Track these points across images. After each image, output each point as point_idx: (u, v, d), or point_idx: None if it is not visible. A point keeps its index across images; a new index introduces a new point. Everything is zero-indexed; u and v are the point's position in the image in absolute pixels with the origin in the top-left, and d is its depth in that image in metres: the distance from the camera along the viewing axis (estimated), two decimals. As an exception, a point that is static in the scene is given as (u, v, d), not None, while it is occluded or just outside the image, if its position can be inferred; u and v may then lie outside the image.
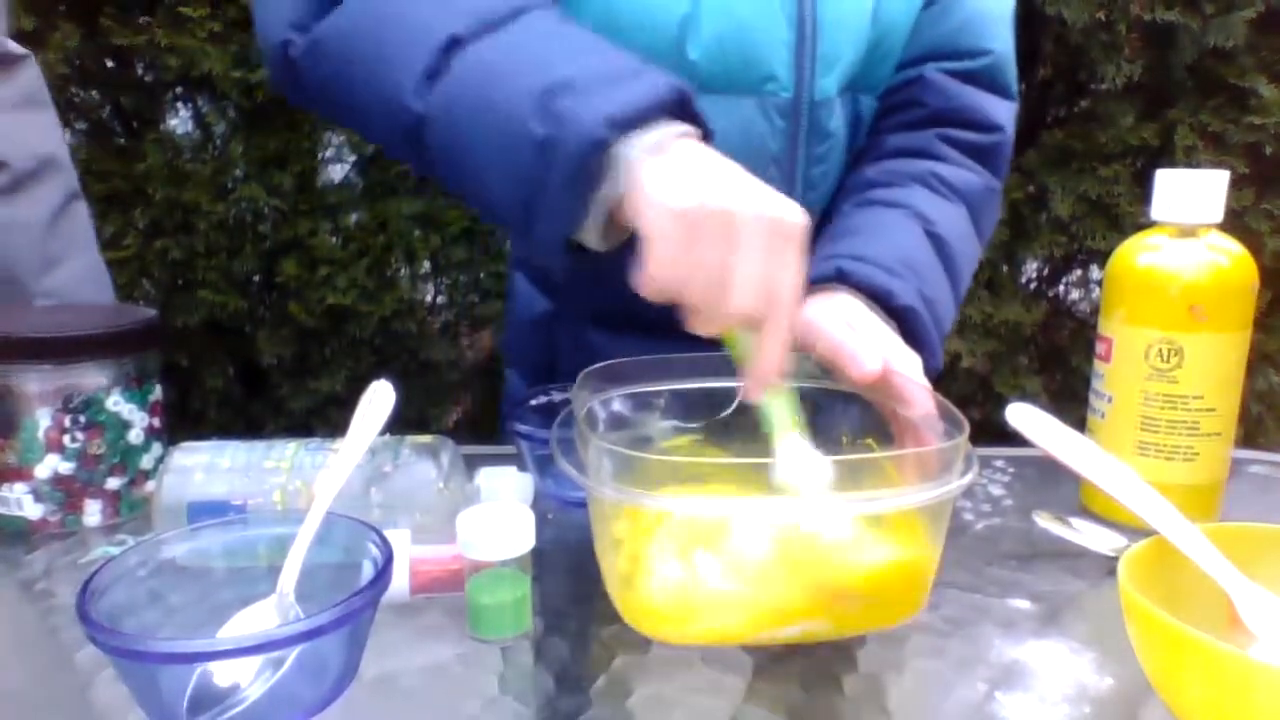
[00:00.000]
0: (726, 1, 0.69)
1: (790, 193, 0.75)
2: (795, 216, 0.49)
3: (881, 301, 0.66)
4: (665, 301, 0.49)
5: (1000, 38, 0.81)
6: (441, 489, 0.58)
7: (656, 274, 0.48)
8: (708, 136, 0.54)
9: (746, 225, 0.47)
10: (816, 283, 0.67)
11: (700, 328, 0.50)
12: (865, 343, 0.57)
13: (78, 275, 0.92)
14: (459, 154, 0.55)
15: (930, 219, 0.73)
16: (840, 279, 0.66)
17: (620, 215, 0.51)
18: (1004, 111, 0.82)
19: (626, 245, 0.52)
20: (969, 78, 0.80)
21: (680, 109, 0.52)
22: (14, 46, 0.91)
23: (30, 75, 0.91)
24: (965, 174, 0.79)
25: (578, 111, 0.49)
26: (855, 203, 0.76)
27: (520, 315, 0.93)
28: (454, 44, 0.54)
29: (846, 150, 0.79)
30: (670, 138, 0.51)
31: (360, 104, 0.59)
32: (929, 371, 0.62)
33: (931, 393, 0.55)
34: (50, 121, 0.93)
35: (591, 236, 0.53)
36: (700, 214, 0.47)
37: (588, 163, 0.50)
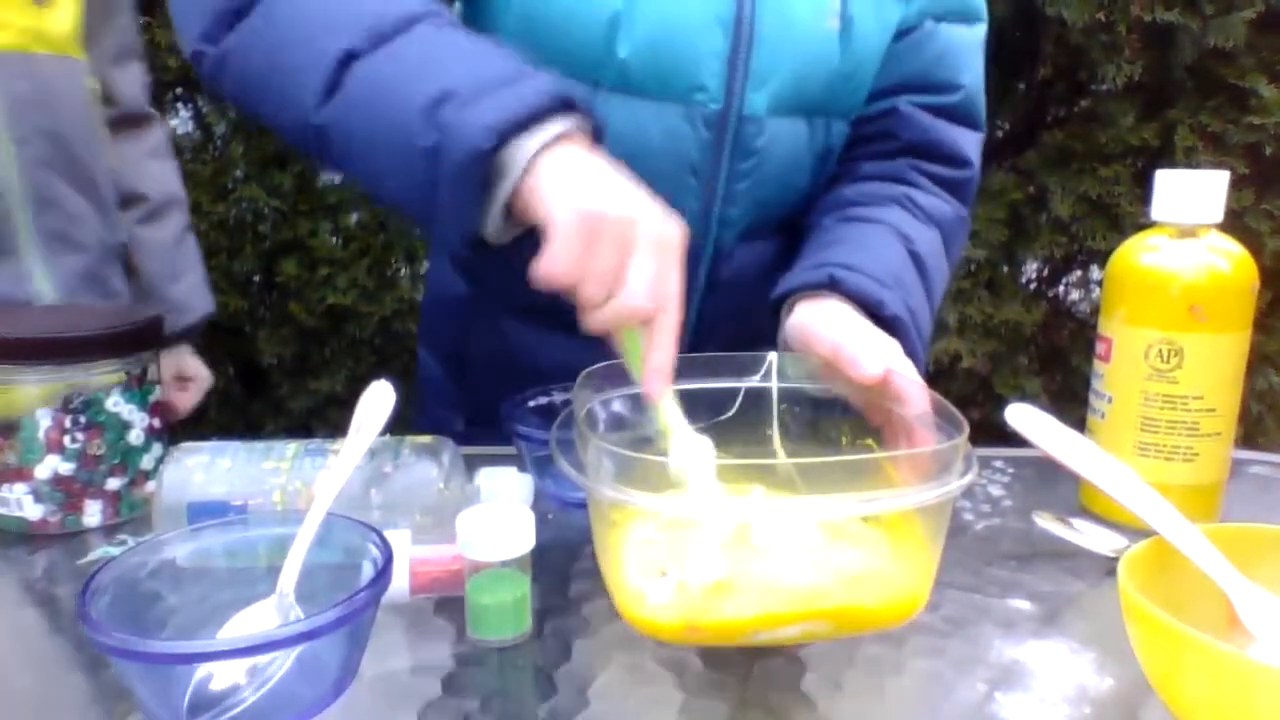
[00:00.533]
0: (661, 3, 0.69)
1: (709, 204, 0.75)
2: (676, 229, 0.53)
3: (872, 311, 0.66)
4: (558, 292, 0.53)
5: (971, 71, 0.81)
6: (441, 489, 0.58)
7: (555, 268, 0.51)
8: (600, 132, 0.57)
9: (641, 230, 0.52)
10: (807, 289, 0.67)
11: (593, 323, 0.53)
12: (865, 345, 0.58)
13: (193, 287, 1.16)
14: (360, 161, 0.59)
15: (910, 238, 0.74)
16: (832, 286, 0.66)
17: (518, 211, 0.55)
18: (973, 145, 0.82)
19: (531, 236, 0.55)
20: (942, 112, 0.80)
21: (566, 108, 0.55)
22: (146, 108, 1.13)
23: (157, 135, 1.15)
24: (938, 202, 0.80)
25: (461, 121, 0.53)
26: (836, 218, 0.77)
27: (435, 297, 0.94)
28: (348, 59, 0.56)
29: (793, 170, 0.78)
30: (558, 137, 0.54)
31: (268, 113, 0.62)
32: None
33: (928, 391, 0.55)
34: (172, 169, 1.17)
35: (490, 231, 0.57)
36: (603, 218, 0.51)
37: (474, 169, 0.53)
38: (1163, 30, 1.65)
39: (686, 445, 0.53)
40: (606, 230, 0.51)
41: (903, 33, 0.78)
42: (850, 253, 0.70)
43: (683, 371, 0.61)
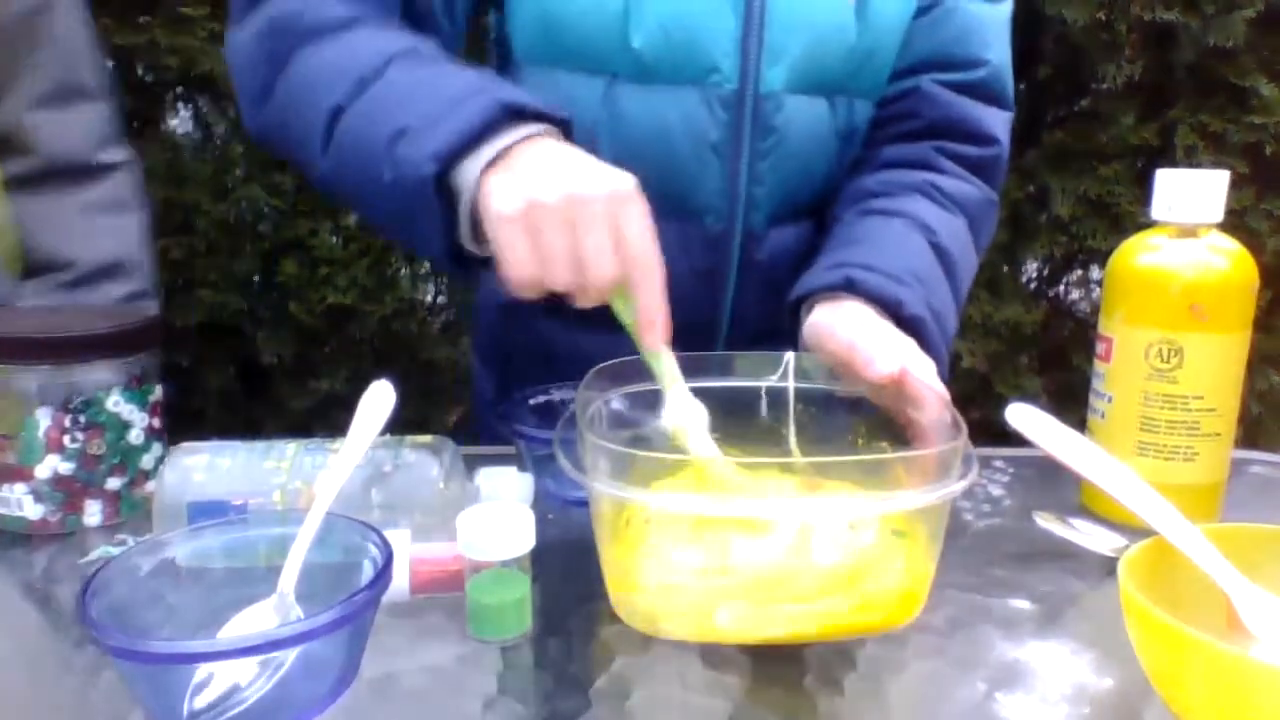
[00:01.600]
0: None
1: (734, 184, 0.75)
2: (623, 179, 0.53)
3: (891, 311, 0.66)
4: (542, 294, 0.54)
5: (996, 48, 0.80)
6: (442, 489, 0.58)
7: (513, 275, 0.53)
8: (567, 125, 0.58)
9: (581, 204, 0.52)
10: (825, 290, 0.67)
11: (583, 304, 0.54)
12: (881, 345, 0.58)
13: None
14: (356, 203, 0.72)
15: (933, 229, 0.73)
16: (849, 288, 0.66)
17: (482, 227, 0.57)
18: (1000, 123, 0.81)
19: None
20: (965, 89, 0.79)
21: (516, 116, 0.56)
22: (90, 157, 0.98)
23: (103, 188, 0.99)
24: (964, 186, 0.79)
25: (410, 154, 0.56)
26: (857, 211, 0.76)
27: (482, 304, 0.94)
28: (337, 113, 0.61)
29: (816, 149, 0.78)
30: (512, 144, 0.55)
31: (304, 172, 0.68)
32: (940, 380, 0.62)
33: (944, 399, 0.55)
34: (123, 226, 1.01)
35: (472, 246, 0.59)
36: (533, 211, 0.52)
37: (427, 197, 0.56)
38: (1163, 29, 1.65)
39: (682, 403, 0.54)
40: (546, 218, 0.52)
41: (924, 9, 0.78)
42: (869, 252, 0.69)
43: (700, 370, 0.61)
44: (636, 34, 0.70)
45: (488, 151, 0.55)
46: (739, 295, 0.80)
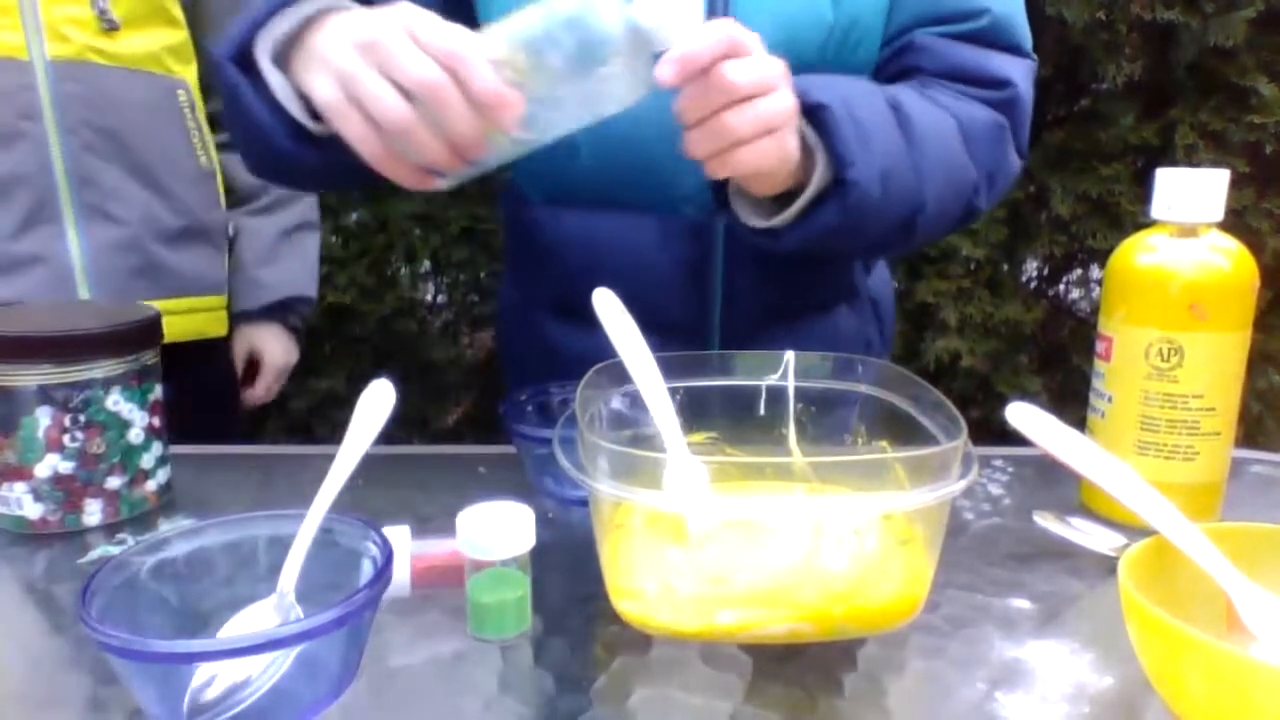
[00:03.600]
0: None
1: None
2: (396, 7, 0.54)
3: (803, 105, 0.61)
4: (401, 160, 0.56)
5: None
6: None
7: (353, 137, 0.55)
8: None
9: (376, 44, 0.52)
10: None
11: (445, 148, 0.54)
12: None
13: (287, 272, 1.26)
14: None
15: (897, 97, 0.67)
16: None
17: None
18: (1015, 67, 0.74)
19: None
20: (965, 38, 0.73)
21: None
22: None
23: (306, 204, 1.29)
24: (966, 104, 0.72)
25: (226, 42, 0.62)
26: None
27: (501, 306, 0.95)
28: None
29: None
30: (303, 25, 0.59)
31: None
32: (849, 183, 0.61)
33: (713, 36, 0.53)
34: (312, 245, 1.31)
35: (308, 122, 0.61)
36: (344, 81, 0.54)
37: (230, 74, 0.62)
38: (1163, 29, 1.65)
39: (682, 467, 0.51)
40: (359, 78, 0.53)
41: None
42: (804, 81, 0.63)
43: (700, 370, 0.61)
44: None
45: (283, 24, 0.60)
46: (729, 286, 0.78)
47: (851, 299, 0.86)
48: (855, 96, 0.65)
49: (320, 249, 1.31)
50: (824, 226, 0.65)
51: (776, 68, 0.58)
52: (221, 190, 1.18)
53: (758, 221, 0.67)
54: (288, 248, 1.25)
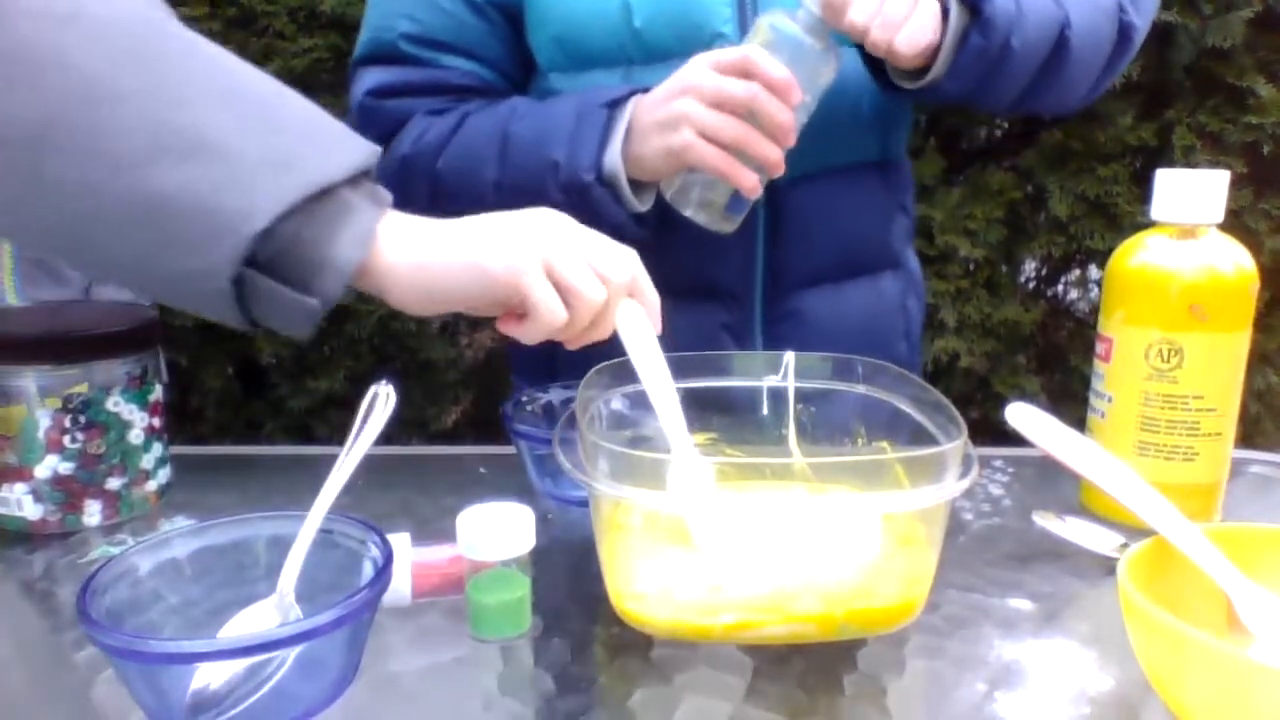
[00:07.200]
0: None
1: None
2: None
3: None
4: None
5: None
6: None
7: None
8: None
9: (690, 87, 0.64)
10: None
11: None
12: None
13: None
14: None
15: None
16: None
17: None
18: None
19: None
20: None
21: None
22: None
23: None
24: None
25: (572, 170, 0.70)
26: None
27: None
28: (498, 185, 0.74)
29: (835, 98, 0.73)
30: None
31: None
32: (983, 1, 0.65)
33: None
34: None
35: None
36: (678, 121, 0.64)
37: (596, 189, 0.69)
38: (1161, 30, 1.65)
39: (686, 467, 0.52)
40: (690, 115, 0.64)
41: None
42: None
43: (700, 370, 0.61)
44: (637, 17, 0.73)
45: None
46: (771, 248, 0.79)
47: (895, 266, 0.88)
48: None
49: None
50: (973, 55, 0.67)
51: None
52: None
53: (912, 85, 0.71)
54: None
